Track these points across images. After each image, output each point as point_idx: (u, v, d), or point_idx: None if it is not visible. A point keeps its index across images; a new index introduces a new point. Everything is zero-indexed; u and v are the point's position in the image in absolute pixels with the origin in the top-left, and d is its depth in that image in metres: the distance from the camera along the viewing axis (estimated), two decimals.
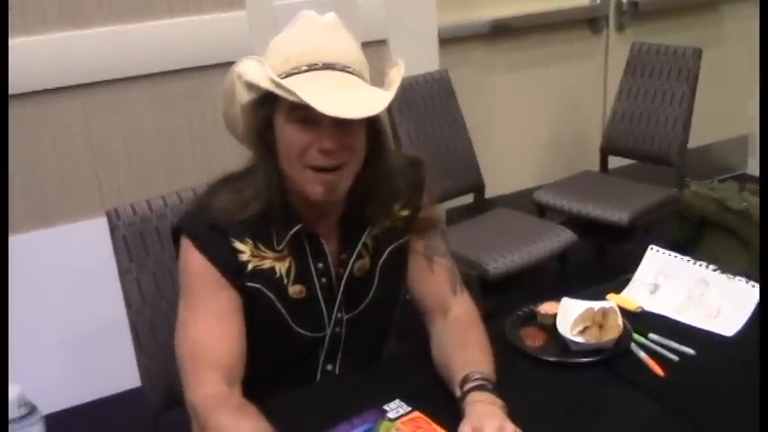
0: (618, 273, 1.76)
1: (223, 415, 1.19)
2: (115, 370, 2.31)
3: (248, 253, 1.31)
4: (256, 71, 1.22)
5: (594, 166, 3.44)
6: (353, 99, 1.20)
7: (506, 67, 3.55)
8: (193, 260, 1.29)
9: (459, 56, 3.29)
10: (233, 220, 1.28)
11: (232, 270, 1.30)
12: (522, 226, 2.85)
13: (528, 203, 3.16)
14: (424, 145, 2.84)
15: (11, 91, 2.31)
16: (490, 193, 3.13)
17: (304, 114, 1.20)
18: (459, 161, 2.98)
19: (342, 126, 1.21)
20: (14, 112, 2.36)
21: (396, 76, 1.27)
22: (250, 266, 1.31)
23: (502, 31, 3.43)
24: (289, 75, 1.22)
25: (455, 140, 2.97)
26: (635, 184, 3.18)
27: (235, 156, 2.95)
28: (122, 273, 1.64)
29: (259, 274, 1.31)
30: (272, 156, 1.27)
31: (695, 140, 3.22)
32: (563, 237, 2.76)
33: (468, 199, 3.08)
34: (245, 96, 1.27)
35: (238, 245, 1.30)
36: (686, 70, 3.11)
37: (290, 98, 1.17)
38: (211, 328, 1.27)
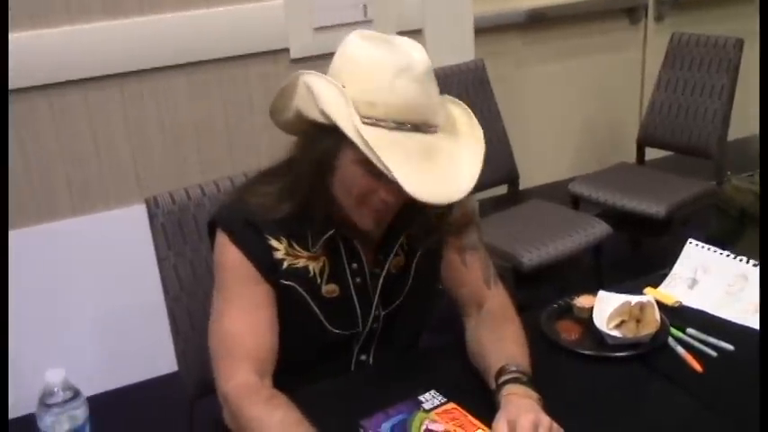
0: (653, 266, 1.75)
1: (254, 405, 1.20)
2: (152, 355, 2.36)
3: (283, 251, 1.31)
4: (338, 104, 1.18)
5: (630, 157, 3.41)
6: (440, 177, 1.18)
7: (542, 57, 3.52)
8: (229, 254, 1.30)
9: (494, 46, 3.27)
10: (268, 218, 1.29)
11: (267, 266, 1.30)
12: (556, 218, 2.83)
13: (562, 195, 3.14)
14: None
15: (53, 80, 2.36)
16: (524, 184, 3.12)
17: (377, 167, 1.16)
18: (493, 152, 2.94)
19: None
20: (56, 102, 2.40)
21: (479, 133, 1.26)
22: (285, 264, 1.31)
23: (538, 20, 3.41)
24: (373, 124, 1.17)
25: (490, 131, 2.94)
26: (672, 177, 3.13)
27: (270, 147, 2.96)
28: (160, 260, 1.66)
29: (293, 272, 1.32)
30: (322, 174, 1.25)
31: (734, 132, 3.17)
32: (598, 229, 2.73)
33: (502, 190, 3.07)
34: (312, 113, 1.22)
35: (273, 242, 1.30)
36: (727, 61, 3.06)
37: (380, 167, 1.14)
38: (244, 321, 1.28)
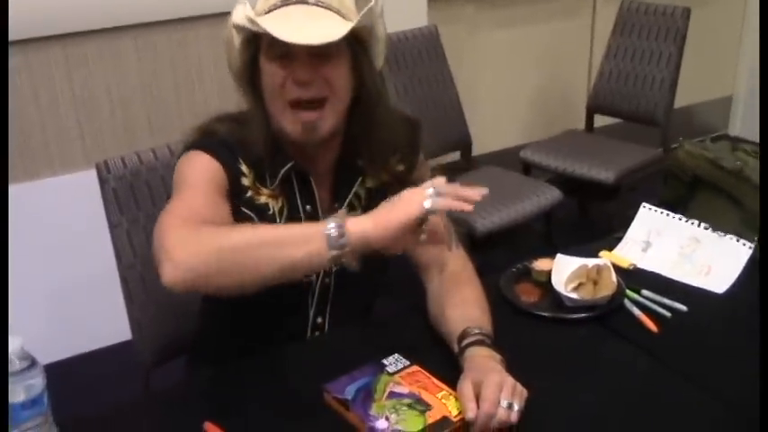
0: (602, 232, 1.78)
1: (224, 228, 1.17)
2: (106, 323, 2.31)
3: (249, 180, 1.32)
4: (240, 12, 1.26)
5: (580, 124, 3.45)
6: (316, 28, 1.21)
7: (494, 23, 3.52)
8: (202, 161, 1.29)
9: (447, 12, 3.25)
10: (238, 142, 1.31)
11: (234, 187, 1.30)
12: (509, 184, 2.85)
13: (514, 162, 3.17)
14: (411, 101, 2.82)
15: None
16: (477, 150, 3.13)
17: (281, 50, 1.23)
18: (446, 118, 2.96)
19: (319, 58, 1.24)
20: None
21: (360, 6, 1.28)
22: (248, 194, 1.32)
23: None
24: (267, 12, 1.25)
25: (443, 97, 2.95)
26: (620, 144, 3.19)
27: (221, 110, 2.91)
28: (112, 226, 1.62)
29: (255, 205, 1.33)
30: (260, 97, 1.30)
31: (678, 101, 3.23)
32: (549, 195, 2.77)
33: (455, 156, 3.08)
34: (236, 40, 1.30)
35: (244, 168, 1.32)
36: (674, 30, 3.11)
37: (255, 29, 1.22)
38: (200, 200, 1.23)
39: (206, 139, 1.33)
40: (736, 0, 4.18)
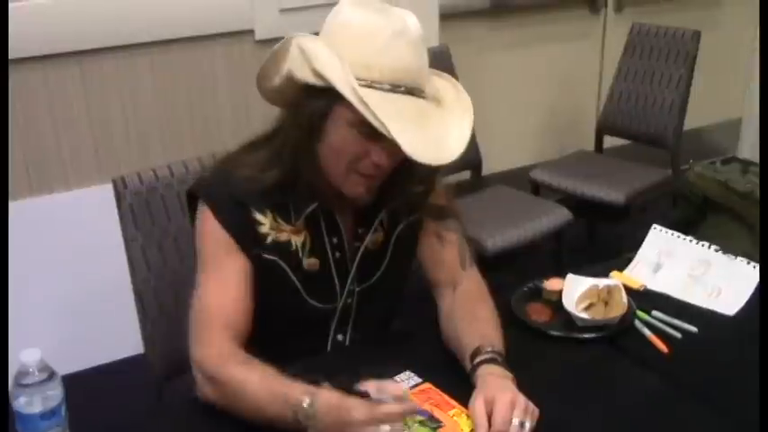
0: (611, 253, 1.78)
1: (232, 367, 1.21)
2: (118, 337, 2.32)
3: (268, 225, 1.32)
4: (333, 63, 1.17)
5: (589, 145, 3.46)
6: (432, 138, 1.19)
7: (505, 44, 3.55)
8: (210, 227, 1.31)
9: (458, 32, 3.28)
10: (253, 190, 1.28)
11: (249, 241, 1.31)
12: (518, 204, 2.86)
13: (523, 181, 3.18)
14: None
15: (10, 56, 2.29)
16: (487, 170, 3.14)
17: (372, 129, 1.16)
18: None
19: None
20: (12, 78, 2.33)
21: (466, 103, 1.29)
22: (269, 239, 1.32)
23: (502, 7, 3.43)
24: (369, 86, 1.17)
25: None
26: (630, 165, 3.19)
27: (233, 129, 2.95)
28: (128, 241, 1.64)
29: (277, 246, 1.33)
30: (311, 139, 1.24)
31: (688, 123, 3.24)
32: (559, 215, 2.78)
33: (465, 175, 3.09)
34: (304, 75, 1.20)
35: (259, 216, 1.31)
36: (684, 53, 3.12)
37: (376, 125, 1.14)
38: (221, 293, 1.29)
39: (216, 187, 1.32)
40: (746, 23, 4.20)
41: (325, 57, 1.18)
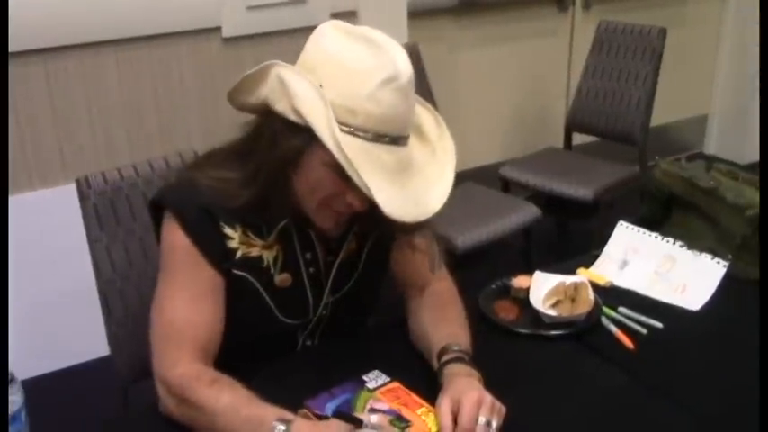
0: (581, 249, 1.80)
1: (199, 390, 1.17)
2: (83, 339, 2.29)
3: (237, 240, 1.27)
4: (316, 108, 1.12)
5: (558, 142, 3.48)
6: (412, 195, 1.17)
7: (474, 42, 3.55)
8: (176, 238, 1.25)
9: (427, 30, 3.28)
10: (224, 205, 1.24)
11: (217, 254, 1.26)
12: (488, 201, 2.87)
13: (493, 179, 3.19)
14: None
15: None
16: (456, 167, 3.14)
17: (347, 174, 1.12)
18: None
19: None
20: None
21: (449, 145, 1.27)
22: (239, 254, 1.28)
23: (470, 5, 3.43)
24: (351, 133, 1.12)
25: None
26: (598, 162, 3.22)
27: (200, 128, 2.92)
28: (92, 242, 1.61)
29: (246, 262, 1.29)
30: (286, 170, 1.21)
31: (655, 119, 3.27)
32: (528, 212, 2.79)
33: None
34: (282, 108, 1.16)
35: (228, 230, 1.27)
36: (651, 50, 3.15)
37: (355, 180, 1.10)
38: (188, 307, 1.25)
39: (184, 199, 1.27)
40: (712, 20, 4.26)
41: (307, 97, 1.13)
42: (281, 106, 1.16)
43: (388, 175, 1.14)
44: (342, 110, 1.12)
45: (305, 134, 1.14)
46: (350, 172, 1.11)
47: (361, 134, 1.13)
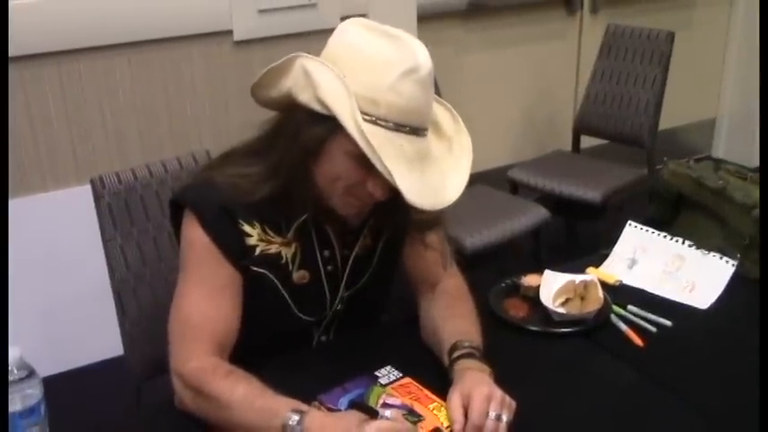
0: (588, 250, 1.80)
1: (214, 383, 1.19)
2: (98, 338, 2.31)
3: (256, 237, 1.29)
4: (340, 97, 1.15)
5: (566, 145, 3.49)
6: (431, 183, 1.19)
7: (482, 45, 3.57)
8: (196, 236, 1.27)
9: (435, 33, 3.29)
10: (242, 202, 1.25)
11: (236, 251, 1.28)
12: (497, 203, 2.89)
13: (501, 181, 3.20)
14: None
15: None
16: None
17: (370, 162, 1.14)
18: None
19: None
20: None
21: (466, 140, 1.29)
22: (258, 251, 1.29)
23: (479, 9, 3.45)
24: (373, 122, 1.15)
25: None
26: (606, 164, 3.23)
27: (211, 130, 2.94)
28: (106, 241, 1.64)
29: (265, 259, 1.30)
30: (307, 161, 1.23)
31: (663, 123, 3.28)
32: (537, 214, 2.80)
33: None
34: (306, 99, 1.18)
35: (247, 228, 1.28)
36: (659, 53, 3.16)
37: (379, 168, 1.13)
38: (206, 303, 1.26)
39: (203, 197, 1.28)
40: (720, 24, 4.26)
41: (331, 87, 1.15)
42: (304, 97, 1.18)
43: (409, 164, 1.17)
44: (364, 100, 1.15)
45: (328, 123, 1.16)
46: (373, 159, 1.13)
47: (382, 123, 1.15)
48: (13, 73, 2.38)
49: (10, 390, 1.02)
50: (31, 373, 1.04)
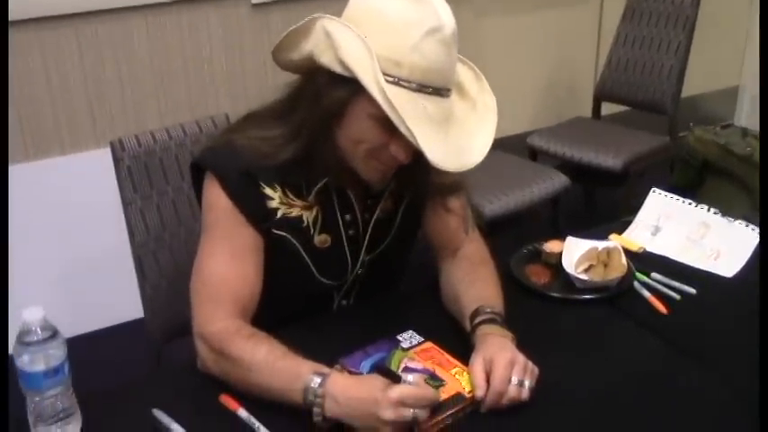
0: (607, 218, 1.78)
1: (237, 344, 1.19)
2: (118, 301, 2.33)
3: (277, 200, 1.28)
4: (362, 58, 1.12)
5: (587, 112, 3.45)
6: (455, 145, 1.17)
7: (502, 9, 3.51)
8: (219, 199, 1.26)
9: None
10: (264, 164, 1.25)
11: (257, 214, 1.27)
12: (517, 170, 2.86)
13: (521, 148, 3.17)
14: None
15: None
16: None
17: (393, 124, 1.12)
18: None
19: None
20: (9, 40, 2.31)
21: (491, 101, 1.26)
22: (279, 213, 1.29)
23: None
24: (396, 84, 1.13)
25: None
26: (628, 131, 3.19)
27: (230, 94, 2.93)
28: (126, 204, 1.63)
29: (287, 222, 1.29)
30: (330, 123, 1.21)
31: (685, 90, 3.22)
32: (557, 181, 2.78)
33: None
34: (328, 61, 1.16)
35: (268, 191, 1.27)
36: (684, 18, 3.10)
37: (402, 130, 1.10)
38: (228, 265, 1.26)
39: (225, 160, 1.27)
40: None
41: (353, 48, 1.13)
42: (326, 58, 1.16)
43: (432, 125, 1.15)
44: (387, 62, 1.12)
45: (350, 85, 1.14)
46: (396, 121, 1.11)
47: (405, 84, 1.13)
48: (30, 35, 2.37)
49: (33, 349, 1.02)
50: (54, 334, 1.04)
